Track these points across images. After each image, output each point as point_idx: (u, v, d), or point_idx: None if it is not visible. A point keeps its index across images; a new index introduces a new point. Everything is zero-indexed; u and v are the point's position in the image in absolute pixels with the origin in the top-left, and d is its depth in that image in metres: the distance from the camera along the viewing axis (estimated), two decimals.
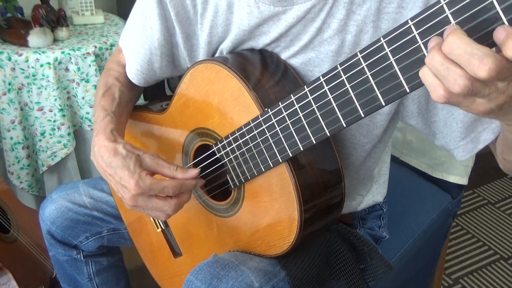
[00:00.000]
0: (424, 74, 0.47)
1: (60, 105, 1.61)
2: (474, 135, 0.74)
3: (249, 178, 0.78)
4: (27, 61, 1.56)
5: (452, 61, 0.44)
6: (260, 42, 0.79)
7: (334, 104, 0.61)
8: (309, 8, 0.71)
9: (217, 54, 0.86)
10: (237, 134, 0.76)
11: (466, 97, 0.47)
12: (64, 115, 1.63)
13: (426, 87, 0.48)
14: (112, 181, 0.79)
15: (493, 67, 0.42)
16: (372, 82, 0.56)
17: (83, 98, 1.66)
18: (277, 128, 0.70)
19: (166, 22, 0.86)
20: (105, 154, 0.78)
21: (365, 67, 0.56)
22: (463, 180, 1.28)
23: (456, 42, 0.43)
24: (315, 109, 0.64)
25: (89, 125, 1.70)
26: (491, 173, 2.23)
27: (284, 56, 0.79)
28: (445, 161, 1.28)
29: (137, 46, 0.91)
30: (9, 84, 1.58)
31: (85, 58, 1.62)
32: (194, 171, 0.79)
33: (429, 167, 1.32)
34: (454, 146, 0.76)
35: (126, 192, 0.76)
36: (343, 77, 0.59)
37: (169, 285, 1.09)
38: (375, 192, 0.98)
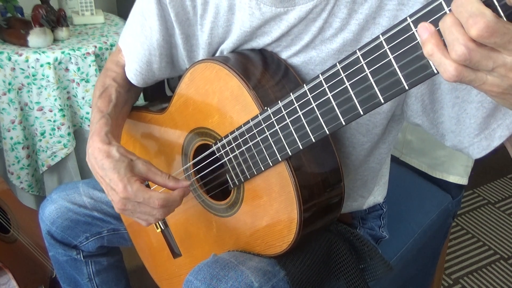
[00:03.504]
0: (433, 54, 0.46)
1: (60, 105, 1.61)
2: (489, 132, 0.72)
3: (249, 177, 0.78)
4: (27, 61, 1.56)
5: (457, 25, 0.43)
6: (261, 42, 0.79)
7: (333, 102, 0.61)
8: (311, 8, 0.71)
9: (217, 54, 0.86)
10: (236, 133, 0.76)
11: (477, 73, 0.46)
12: (64, 115, 1.63)
13: (436, 67, 0.47)
14: (103, 183, 0.80)
15: (482, 27, 0.41)
16: (371, 79, 0.55)
17: (83, 98, 1.66)
18: (277, 127, 0.70)
19: (165, 23, 0.86)
20: (98, 156, 0.80)
21: (364, 65, 0.55)
22: (463, 180, 1.27)
23: None
24: (315, 107, 0.64)
25: (89, 125, 1.70)
26: (491, 173, 2.22)
27: (285, 55, 0.78)
28: (445, 161, 1.28)
29: (136, 46, 0.91)
30: (9, 84, 1.58)
31: (85, 58, 1.62)
32: (186, 182, 0.80)
33: (429, 167, 1.32)
34: (469, 143, 0.74)
35: (114, 194, 0.77)
36: (342, 75, 0.58)
37: (168, 286, 1.09)
38: (376, 193, 0.98)
